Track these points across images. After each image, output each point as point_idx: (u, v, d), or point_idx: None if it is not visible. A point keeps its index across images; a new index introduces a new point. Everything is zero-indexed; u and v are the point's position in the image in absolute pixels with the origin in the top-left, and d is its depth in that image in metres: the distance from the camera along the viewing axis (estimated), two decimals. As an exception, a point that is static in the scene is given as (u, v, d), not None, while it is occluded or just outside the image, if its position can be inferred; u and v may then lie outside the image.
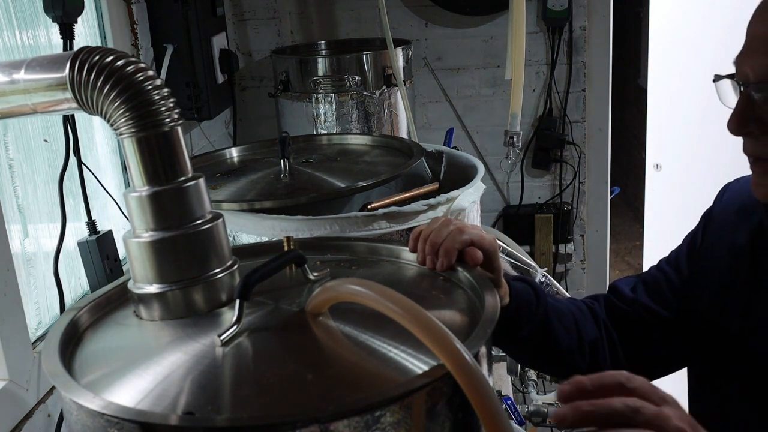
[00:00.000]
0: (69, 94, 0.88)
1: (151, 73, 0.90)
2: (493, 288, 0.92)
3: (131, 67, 0.88)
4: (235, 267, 0.95)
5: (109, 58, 0.87)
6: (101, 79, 0.86)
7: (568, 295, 2.20)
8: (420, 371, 0.75)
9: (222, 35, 2.31)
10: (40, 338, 1.46)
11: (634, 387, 0.74)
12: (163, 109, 0.89)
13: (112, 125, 0.89)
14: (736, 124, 0.98)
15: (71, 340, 0.89)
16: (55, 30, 1.54)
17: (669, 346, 1.19)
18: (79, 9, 1.55)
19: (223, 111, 2.42)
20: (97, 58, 0.87)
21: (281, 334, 0.87)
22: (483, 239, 1.01)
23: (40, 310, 1.52)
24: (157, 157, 0.89)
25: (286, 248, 1.02)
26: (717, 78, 1.01)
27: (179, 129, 0.91)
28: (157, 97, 0.89)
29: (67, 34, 1.52)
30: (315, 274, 0.99)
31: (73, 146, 1.54)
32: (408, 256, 1.07)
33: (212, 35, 2.21)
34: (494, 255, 1.03)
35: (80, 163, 1.58)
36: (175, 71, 2.09)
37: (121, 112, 0.87)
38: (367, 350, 0.81)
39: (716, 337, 1.12)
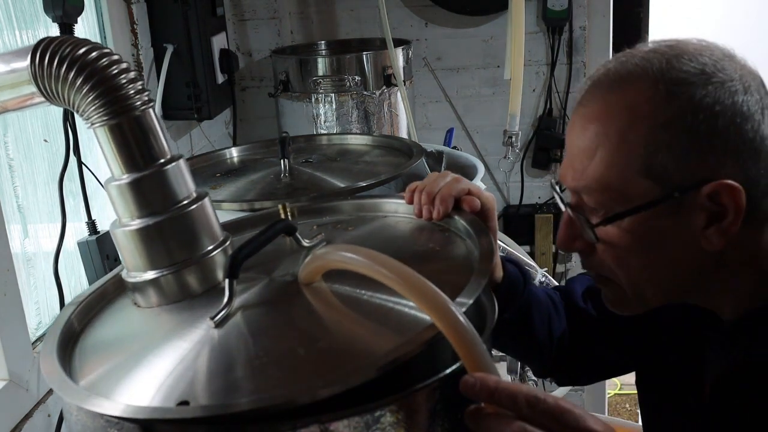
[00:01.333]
0: (34, 88, 0.85)
1: (115, 57, 0.87)
2: (488, 234, 0.91)
3: (94, 53, 0.85)
4: (228, 243, 0.93)
5: (70, 47, 0.85)
6: (64, 69, 0.84)
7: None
8: (420, 320, 0.75)
9: (222, 35, 2.31)
10: (40, 338, 1.46)
11: (540, 411, 0.69)
12: (132, 92, 0.86)
13: (81, 115, 0.87)
14: (561, 242, 0.95)
15: (70, 339, 0.88)
16: (55, 30, 1.54)
17: (613, 353, 1.19)
18: (79, 9, 1.55)
19: (223, 111, 2.42)
20: (57, 47, 0.84)
21: (275, 308, 0.86)
22: (480, 192, 1.00)
23: (40, 310, 1.52)
24: (132, 142, 0.87)
25: (282, 216, 1.01)
26: (552, 185, 0.97)
27: (152, 111, 0.89)
28: (124, 81, 0.86)
29: (67, 34, 1.52)
30: (307, 241, 0.97)
31: (73, 146, 1.54)
32: (404, 210, 1.06)
33: (212, 35, 2.21)
34: (490, 213, 1.01)
35: (80, 163, 1.58)
36: (175, 71, 2.08)
37: (89, 100, 0.85)
38: (364, 311, 0.81)
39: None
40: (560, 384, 1.29)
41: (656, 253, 0.88)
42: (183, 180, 0.91)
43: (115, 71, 0.86)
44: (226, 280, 0.84)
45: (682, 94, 0.83)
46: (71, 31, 1.53)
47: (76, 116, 1.55)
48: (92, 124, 0.87)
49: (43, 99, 0.87)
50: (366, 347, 0.76)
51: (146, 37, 2.05)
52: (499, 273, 1.10)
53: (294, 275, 0.90)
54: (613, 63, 0.90)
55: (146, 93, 0.89)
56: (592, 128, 0.88)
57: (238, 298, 0.86)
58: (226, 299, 0.84)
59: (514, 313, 1.12)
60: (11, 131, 1.47)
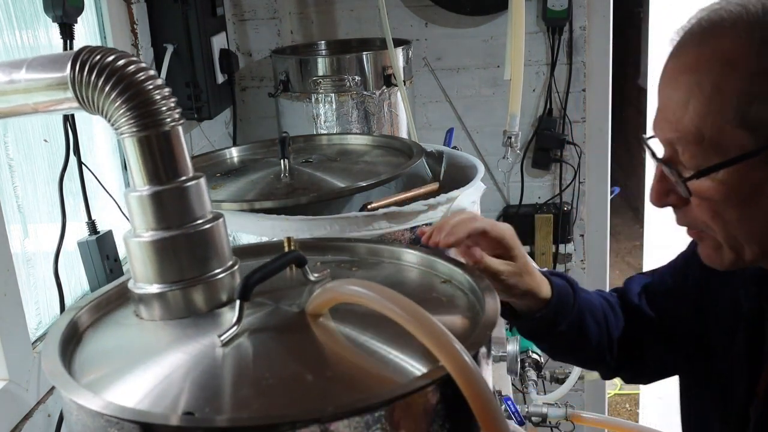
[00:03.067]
0: (70, 94, 0.88)
1: (152, 72, 0.90)
2: (493, 290, 0.92)
3: (132, 66, 0.88)
4: (236, 267, 0.95)
5: (110, 58, 0.87)
6: (102, 79, 0.87)
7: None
8: (420, 373, 0.75)
9: (222, 35, 2.31)
10: (40, 338, 1.46)
11: None
12: (164, 108, 0.89)
13: (112, 125, 0.90)
14: (654, 197, 0.95)
15: (71, 340, 0.89)
16: (55, 30, 1.54)
17: (666, 351, 1.19)
18: (79, 9, 1.55)
19: (223, 111, 2.42)
20: (98, 57, 0.87)
21: (281, 335, 0.87)
22: (496, 226, 1.01)
23: (40, 310, 1.52)
24: (158, 156, 0.90)
25: (286, 249, 1.02)
26: (643, 140, 0.97)
27: (180, 129, 0.92)
28: (158, 97, 0.89)
29: (67, 34, 1.52)
30: (315, 275, 0.99)
31: (73, 146, 1.54)
32: (409, 258, 1.07)
33: (212, 35, 2.21)
34: (513, 242, 1.03)
35: (80, 163, 1.58)
36: (175, 71, 2.08)
37: (122, 111, 0.87)
38: (367, 352, 0.82)
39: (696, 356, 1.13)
40: (626, 381, 1.30)
41: (752, 205, 0.86)
42: (201, 199, 0.93)
43: (150, 86, 0.88)
44: (237, 302, 0.85)
45: None
46: (71, 31, 1.53)
47: (77, 117, 1.56)
48: (121, 134, 0.89)
49: (74, 105, 0.89)
50: (373, 381, 0.77)
51: (146, 37, 2.05)
52: (546, 289, 1.11)
53: (300, 306, 0.91)
54: (706, 12, 0.88)
55: (177, 110, 0.91)
56: (684, 79, 0.86)
57: (244, 321, 0.86)
58: (235, 319, 0.84)
59: (569, 324, 1.13)
60: (11, 131, 1.47)
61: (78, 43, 1.56)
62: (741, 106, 0.82)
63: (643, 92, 3.63)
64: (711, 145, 0.85)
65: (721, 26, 0.85)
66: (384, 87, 2.31)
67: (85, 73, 0.87)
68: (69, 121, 1.53)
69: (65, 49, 1.53)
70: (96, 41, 1.87)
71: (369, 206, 1.45)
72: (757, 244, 0.89)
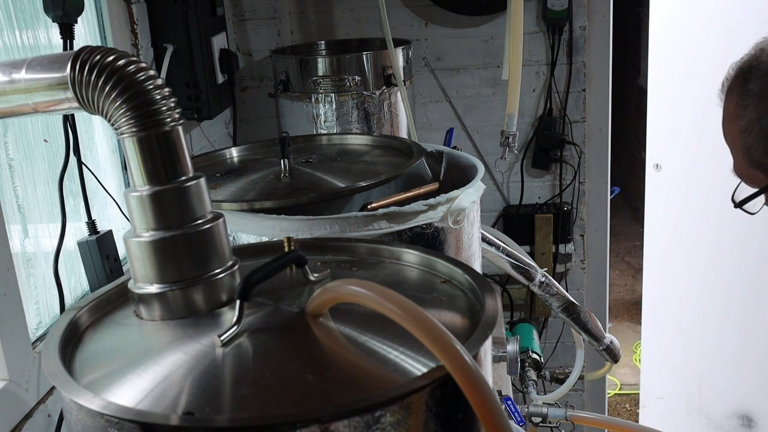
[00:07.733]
0: (70, 94, 0.88)
1: (152, 72, 0.90)
2: (493, 290, 0.92)
3: (132, 66, 0.88)
4: (236, 267, 0.95)
5: (110, 58, 0.88)
6: (102, 79, 0.87)
7: (569, 295, 2.20)
8: (420, 373, 0.76)
9: (222, 35, 2.32)
10: (40, 338, 1.46)
11: None
12: (164, 108, 0.90)
13: (113, 125, 0.90)
14: None
15: (71, 340, 0.89)
16: (55, 30, 1.54)
17: None
18: (79, 9, 1.55)
19: (223, 111, 2.42)
20: (98, 57, 0.87)
21: (281, 335, 0.87)
22: None
23: (40, 310, 1.52)
24: (158, 156, 0.90)
25: (286, 249, 1.02)
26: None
27: (180, 129, 0.92)
28: (158, 97, 0.89)
29: (67, 34, 1.52)
30: (315, 275, 0.99)
31: (73, 146, 1.54)
32: (409, 258, 1.07)
33: (212, 35, 2.21)
34: None
35: (80, 163, 1.58)
36: (175, 71, 2.09)
37: (121, 111, 0.88)
38: (367, 351, 0.82)
39: None
40: None
41: None
42: (201, 199, 0.93)
43: (150, 86, 0.89)
44: (237, 302, 0.86)
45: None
46: (71, 31, 1.53)
47: (77, 117, 1.56)
48: (121, 134, 0.89)
49: (74, 105, 0.90)
50: (373, 381, 0.77)
51: (146, 37, 2.05)
52: None
53: (300, 306, 0.91)
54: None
55: (177, 110, 0.91)
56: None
57: (244, 321, 0.86)
58: (235, 319, 0.85)
59: None
60: (11, 131, 1.47)
61: (78, 43, 1.56)
62: (746, 153, 1.11)
63: (643, 92, 3.64)
64: (752, 180, 1.16)
65: (730, 86, 1.15)
66: (384, 87, 2.31)
67: (85, 73, 0.87)
68: (69, 121, 1.53)
69: (65, 49, 1.53)
70: (96, 41, 1.87)
71: (369, 206, 1.45)
72: None
